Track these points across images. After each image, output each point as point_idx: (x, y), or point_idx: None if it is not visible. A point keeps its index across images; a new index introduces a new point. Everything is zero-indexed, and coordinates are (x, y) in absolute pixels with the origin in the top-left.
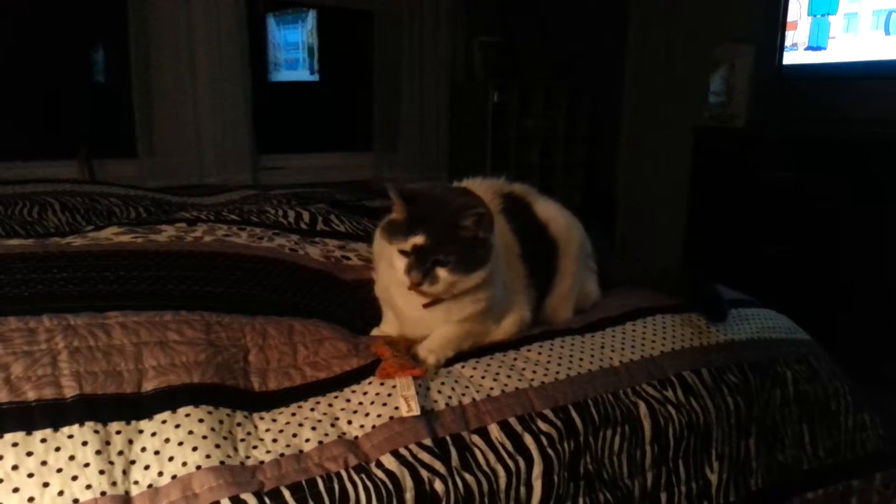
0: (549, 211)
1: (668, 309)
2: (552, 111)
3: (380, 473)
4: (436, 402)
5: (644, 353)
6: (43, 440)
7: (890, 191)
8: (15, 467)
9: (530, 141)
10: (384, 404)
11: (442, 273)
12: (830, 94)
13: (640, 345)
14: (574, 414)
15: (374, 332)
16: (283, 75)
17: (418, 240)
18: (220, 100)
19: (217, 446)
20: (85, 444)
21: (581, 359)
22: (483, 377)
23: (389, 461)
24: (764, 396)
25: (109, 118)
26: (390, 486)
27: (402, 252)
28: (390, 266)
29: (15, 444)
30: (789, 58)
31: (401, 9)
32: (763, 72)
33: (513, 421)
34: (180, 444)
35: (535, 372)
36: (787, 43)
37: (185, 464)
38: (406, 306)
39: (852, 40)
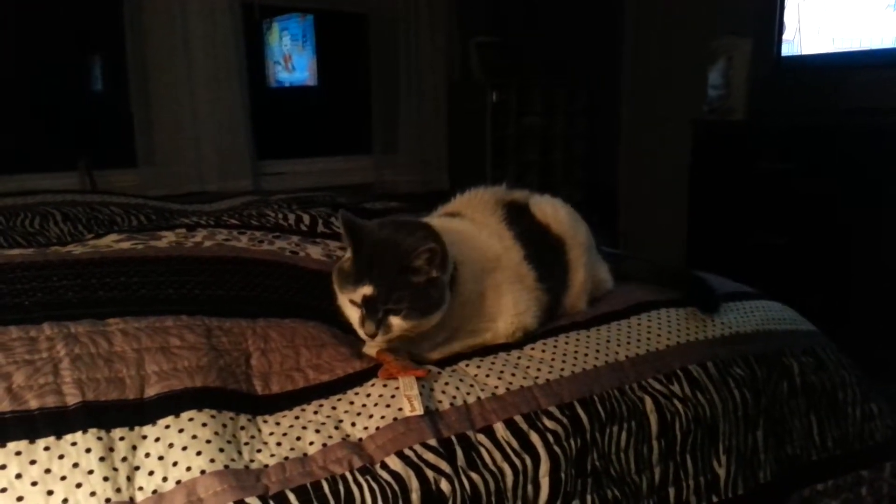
0: (547, 209)
1: (673, 302)
2: (551, 108)
3: (385, 475)
4: (440, 402)
5: (650, 348)
6: (46, 448)
7: (890, 180)
8: (18, 476)
9: (530, 139)
10: (388, 406)
11: (395, 321)
12: (830, 85)
13: (645, 339)
14: (580, 410)
15: (365, 349)
16: (282, 80)
17: (367, 290)
18: (218, 107)
19: (221, 450)
20: (88, 451)
21: (586, 354)
22: (487, 376)
23: (394, 462)
24: (771, 388)
25: (109, 128)
26: (396, 487)
27: (353, 302)
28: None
29: (18, 453)
30: (787, 49)
31: (396, 11)
32: (761, 64)
33: (518, 419)
34: (184, 448)
35: (539, 370)
36: (785, 34)
37: (189, 468)
38: None
39: (851, 29)
